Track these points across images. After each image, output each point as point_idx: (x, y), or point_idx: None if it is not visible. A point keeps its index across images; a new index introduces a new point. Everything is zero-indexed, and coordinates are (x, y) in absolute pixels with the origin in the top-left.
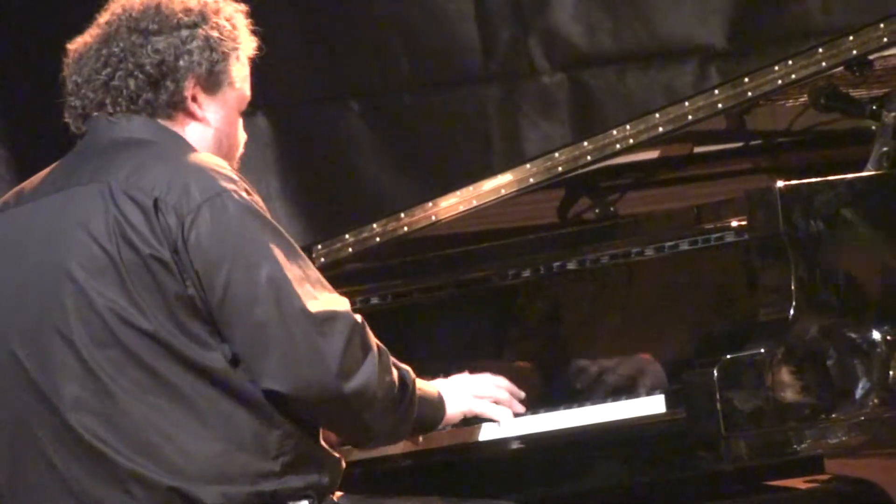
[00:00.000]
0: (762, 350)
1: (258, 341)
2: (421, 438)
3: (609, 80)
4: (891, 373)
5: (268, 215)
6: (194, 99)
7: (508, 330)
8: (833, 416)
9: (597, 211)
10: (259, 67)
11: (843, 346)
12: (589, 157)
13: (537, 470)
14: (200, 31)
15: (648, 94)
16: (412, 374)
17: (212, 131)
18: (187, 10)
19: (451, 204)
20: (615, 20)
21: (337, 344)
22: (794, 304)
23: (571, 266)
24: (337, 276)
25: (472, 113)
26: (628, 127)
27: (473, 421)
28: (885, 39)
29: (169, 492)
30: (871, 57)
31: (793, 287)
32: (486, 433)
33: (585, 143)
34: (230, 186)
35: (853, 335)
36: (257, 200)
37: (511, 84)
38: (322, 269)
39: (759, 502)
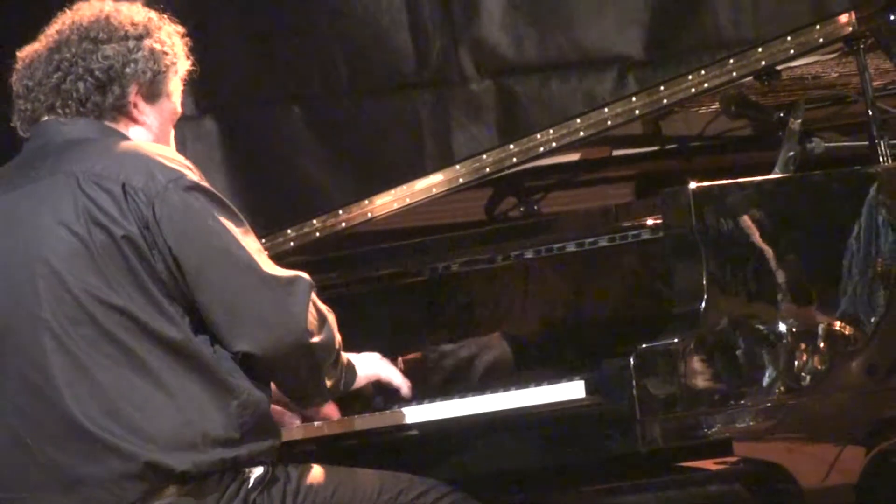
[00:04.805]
0: (676, 340)
1: (233, 307)
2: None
3: (534, 87)
4: (795, 362)
5: (220, 195)
6: (135, 105)
7: (437, 318)
8: (741, 402)
9: (521, 209)
10: (208, 74)
11: (751, 336)
12: (514, 159)
13: (456, 454)
14: (146, 42)
15: (570, 100)
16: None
17: (152, 136)
18: (134, 24)
19: (386, 202)
20: (540, 31)
21: (302, 303)
22: (705, 297)
23: (498, 260)
24: None
25: (405, 117)
26: (551, 131)
27: (393, 404)
28: (792, 51)
29: (142, 463)
30: (778, 67)
31: (704, 282)
32: (406, 417)
33: (511, 146)
34: (187, 172)
35: (761, 327)
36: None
37: (442, 90)
38: None
39: (672, 483)
